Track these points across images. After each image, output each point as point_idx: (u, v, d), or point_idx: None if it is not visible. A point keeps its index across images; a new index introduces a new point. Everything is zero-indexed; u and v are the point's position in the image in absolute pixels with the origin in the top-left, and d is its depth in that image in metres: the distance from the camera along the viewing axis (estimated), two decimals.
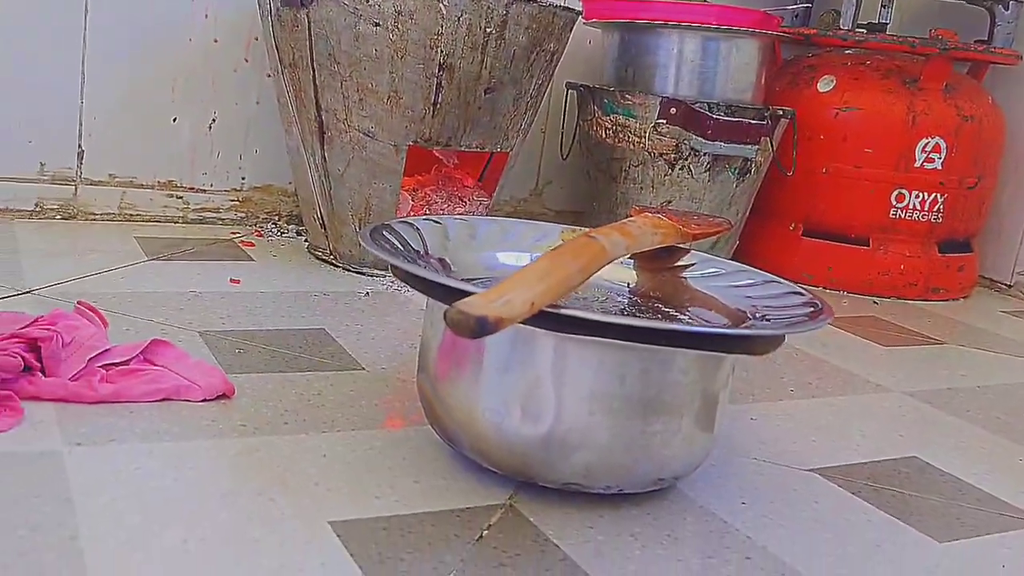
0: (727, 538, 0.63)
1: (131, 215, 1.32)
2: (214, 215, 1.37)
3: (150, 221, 1.33)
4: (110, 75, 1.26)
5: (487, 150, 1.20)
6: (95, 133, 1.27)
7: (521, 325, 0.51)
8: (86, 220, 1.29)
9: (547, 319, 0.54)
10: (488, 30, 1.08)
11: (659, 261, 0.83)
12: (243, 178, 1.38)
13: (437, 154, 1.28)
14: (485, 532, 0.60)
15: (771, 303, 0.73)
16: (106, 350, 0.75)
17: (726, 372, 0.66)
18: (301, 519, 0.58)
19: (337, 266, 1.21)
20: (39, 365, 0.71)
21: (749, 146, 1.33)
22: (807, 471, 0.77)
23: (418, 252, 0.68)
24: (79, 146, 1.27)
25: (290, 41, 1.10)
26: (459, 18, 1.06)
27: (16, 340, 0.71)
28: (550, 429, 0.61)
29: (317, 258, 1.24)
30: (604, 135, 1.36)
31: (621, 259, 0.80)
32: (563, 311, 0.54)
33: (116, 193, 1.30)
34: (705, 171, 1.32)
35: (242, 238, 1.30)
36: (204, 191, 1.36)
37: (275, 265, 1.18)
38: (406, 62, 1.07)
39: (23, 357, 0.70)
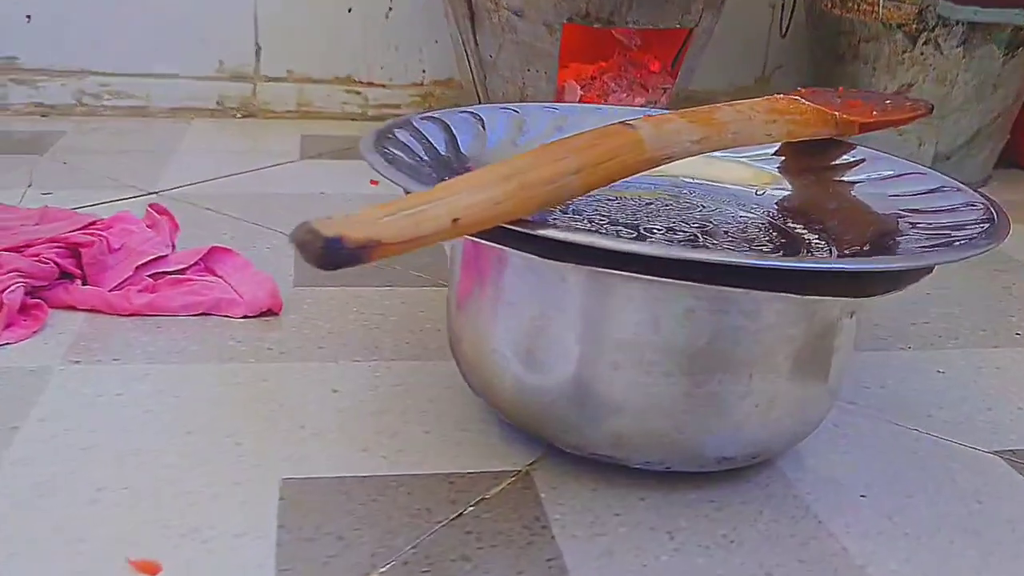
0: (818, 550, 0.46)
1: (309, 112, 1.27)
2: (394, 111, 1.29)
3: (329, 119, 1.28)
4: None
5: (661, 26, 1.01)
6: (271, 29, 1.23)
7: None
8: (265, 118, 1.26)
9: (506, 237, 0.39)
10: None
11: (807, 159, 0.63)
12: (423, 71, 1.28)
13: (618, 36, 1.10)
14: (471, 507, 0.47)
15: (935, 219, 0.52)
16: (160, 257, 0.69)
17: (835, 314, 0.47)
18: (255, 472, 0.48)
19: None
20: (80, 272, 0.67)
21: (1021, 10, 1.02)
22: (989, 453, 0.56)
23: (437, 160, 0.53)
24: (256, 43, 1.23)
25: None
26: None
27: (54, 245, 0.66)
28: (561, 383, 0.46)
29: None
30: (829, 4, 1.11)
31: (744, 155, 0.62)
32: (525, 228, 0.38)
33: (294, 90, 1.26)
34: (958, 45, 1.04)
35: None
36: (383, 86, 1.28)
37: None
38: None
39: (58, 264, 0.66)
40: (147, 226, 0.73)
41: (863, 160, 0.61)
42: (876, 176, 0.60)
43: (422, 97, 1.29)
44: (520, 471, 0.50)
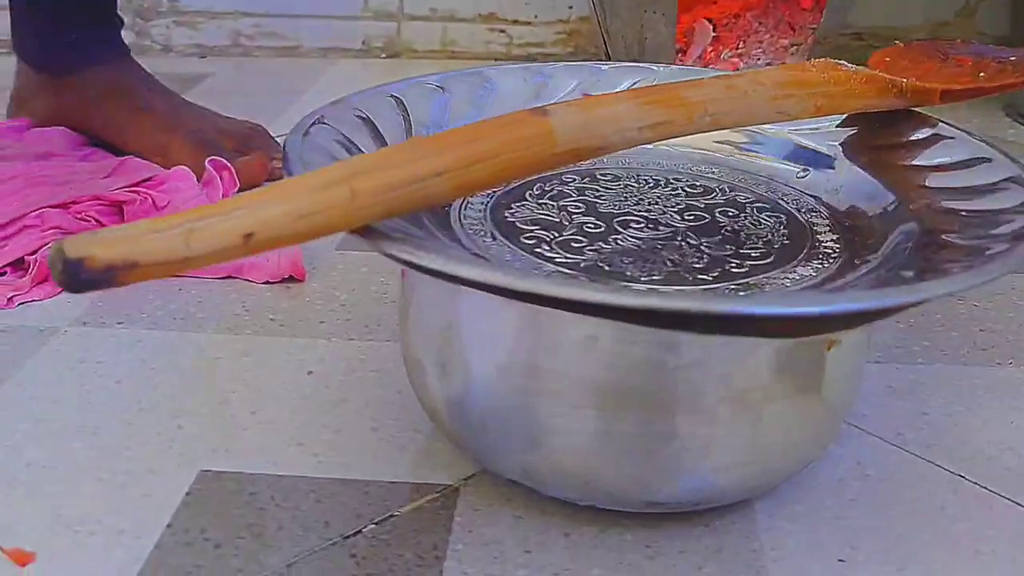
0: None
1: (454, 52, 1.24)
2: (538, 50, 1.23)
3: (473, 58, 1.24)
4: None
5: None
6: None
7: None
8: (410, 58, 1.25)
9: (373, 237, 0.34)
10: None
11: (874, 135, 0.52)
12: (570, 7, 1.21)
13: None
14: (373, 525, 0.43)
15: (980, 229, 0.41)
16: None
17: (801, 351, 0.38)
18: (177, 461, 0.47)
19: None
20: None
21: None
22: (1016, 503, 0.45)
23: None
24: None
25: None
26: None
27: (97, 202, 0.68)
28: (468, 402, 0.41)
29: None
30: None
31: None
32: (381, 243, 0.33)
33: (438, 28, 1.23)
34: None
35: None
36: (528, 23, 1.23)
37: None
38: None
39: (100, 221, 0.67)
40: (205, 183, 0.73)
41: (936, 140, 0.50)
42: (947, 161, 0.48)
43: (567, 35, 1.22)
44: (450, 486, 0.46)
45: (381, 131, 0.48)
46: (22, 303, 0.61)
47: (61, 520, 0.43)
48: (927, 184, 0.47)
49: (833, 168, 0.52)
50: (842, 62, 0.48)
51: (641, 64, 0.58)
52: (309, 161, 0.41)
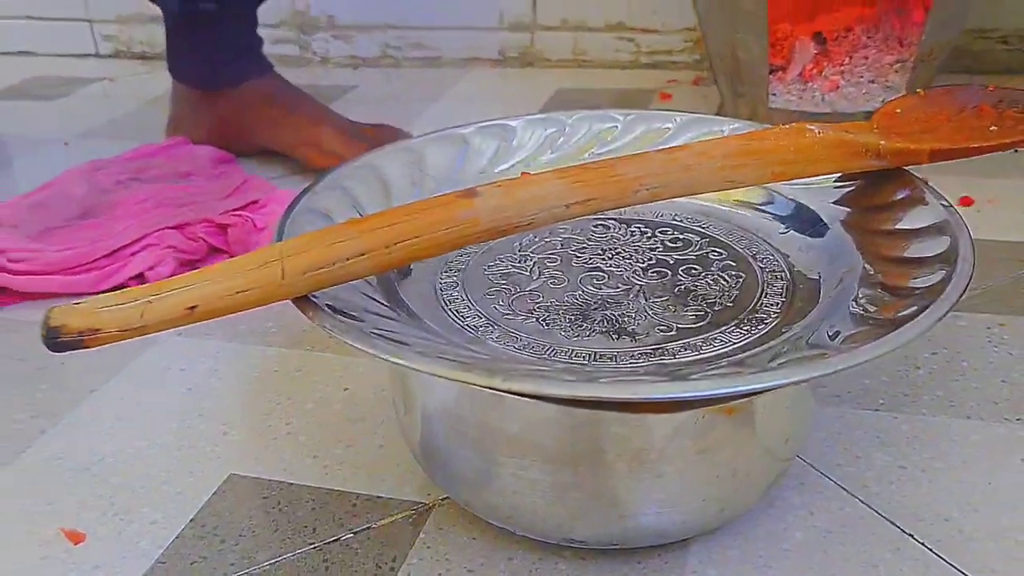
0: None
1: (584, 61, 1.29)
2: (666, 58, 1.25)
3: (602, 66, 1.28)
4: None
5: None
6: None
7: None
8: (542, 67, 1.30)
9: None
10: None
11: (864, 195, 0.53)
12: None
13: None
14: (351, 535, 0.50)
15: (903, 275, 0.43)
16: None
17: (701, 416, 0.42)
18: (213, 465, 0.56)
19: None
20: (227, 249, 0.79)
21: None
22: None
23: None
24: None
25: None
26: None
27: (207, 225, 0.79)
28: (420, 437, 0.47)
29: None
30: None
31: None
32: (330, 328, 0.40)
33: (568, 38, 1.28)
34: None
35: (663, 90, 1.17)
36: (655, 31, 1.25)
37: None
38: None
39: (208, 241, 0.78)
40: None
41: (913, 203, 0.50)
42: (907, 227, 0.49)
43: (693, 43, 1.23)
44: (426, 504, 0.52)
45: (391, 185, 0.55)
46: None
47: (112, 508, 0.53)
48: (884, 251, 0.48)
49: (817, 227, 0.53)
50: (812, 127, 0.50)
51: (659, 112, 0.61)
52: (300, 224, 0.48)
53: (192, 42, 0.99)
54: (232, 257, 0.72)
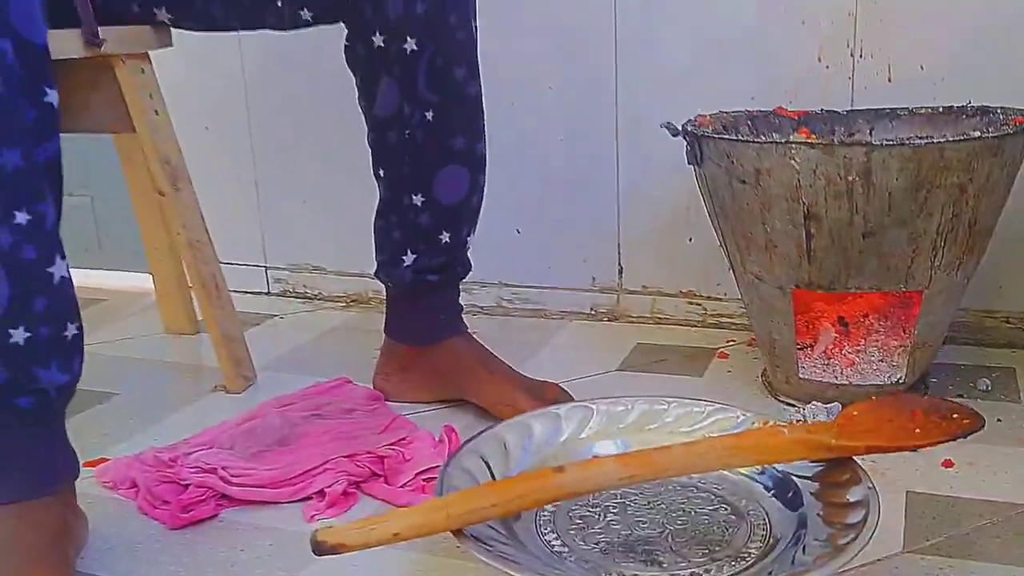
0: None
1: (661, 319, 1.58)
2: (727, 320, 1.54)
3: (675, 324, 1.57)
4: (642, 203, 1.54)
5: (885, 290, 1.13)
6: (631, 252, 1.57)
7: None
8: (626, 321, 1.60)
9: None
10: (850, 178, 1.05)
11: (825, 473, 0.79)
12: None
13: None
14: None
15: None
16: (435, 467, 1.08)
17: None
18: None
19: (774, 397, 1.28)
20: (383, 474, 1.08)
21: None
22: None
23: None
24: (619, 263, 1.59)
25: (705, 191, 1.24)
26: (814, 170, 1.07)
27: (369, 455, 1.08)
28: None
29: (764, 382, 1.32)
30: None
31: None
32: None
33: (648, 301, 1.58)
34: None
35: (722, 349, 1.45)
36: (719, 299, 1.54)
37: (709, 383, 1.32)
38: (773, 214, 1.12)
39: (369, 467, 1.07)
40: (436, 441, 1.12)
41: (853, 481, 0.76)
42: (849, 500, 0.74)
43: None
44: None
45: (509, 449, 0.83)
46: (320, 519, 1.02)
47: None
48: (832, 518, 0.73)
49: (794, 496, 0.79)
50: (782, 428, 0.76)
51: (694, 399, 0.89)
52: (452, 477, 0.77)
53: (412, 308, 1.23)
54: (388, 482, 1.01)
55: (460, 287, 1.26)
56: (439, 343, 1.23)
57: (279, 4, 1.11)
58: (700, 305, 1.56)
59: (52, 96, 0.80)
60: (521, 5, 1.53)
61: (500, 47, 1.47)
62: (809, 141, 1.07)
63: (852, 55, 1.37)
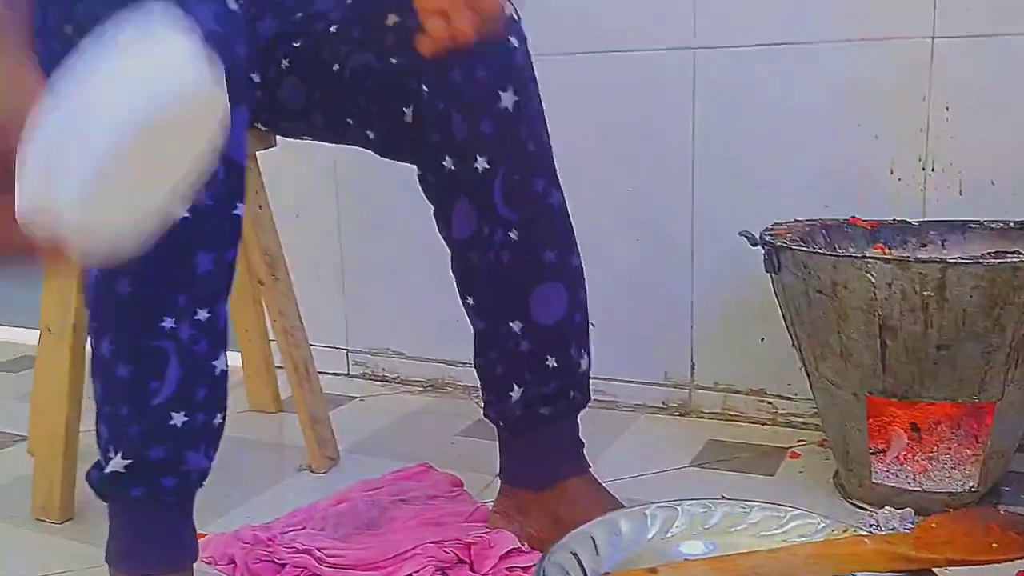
0: None
1: (732, 415, 1.62)
2: (798, 420, 1.57)
3: (746, 421, 1.60)
4: (715, 302, 1.59)
5: (959, 400, 1.17)
6: (703, 349, 1.62)
7: None
8: (697, 416, 1.64)
9: None
10: (925, 294, 1.10)
11: None
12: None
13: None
14: None
15: None
16: (514, 550, 1.12)
17: None
18: None
19: (847, 499, 1.31)
20: (469, 561, 1.12)
21: None
22: None
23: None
24: (691, 360, 1.63)
25: (781, 297, 1.29)
26: (890, 285, 1.11)
27: (456, 541, 1.13)
28: None
29: (837, 484, 1.35)
30: None
31: None
32: None
33: (719, 397, 1.62)
34: None
35: (793, 448, 1.48)
36: (790, 398, 1.57)
37: (782, 483, 1.35)
38: (849, 324, 1.16)
39: (457, 554, 1.12)
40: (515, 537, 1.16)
41: None
42: None
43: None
44: None
45: (599, 545, 0.88)
46: None
47: None
48: None
49: None
50: (863, 537, 0.80)
51: (774, 504, 0.93)
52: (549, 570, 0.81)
53: (526, 447, 1.11)
54: (474, 569, 1.06)
55: (579, 420, 1.15)
56: (556, 485, 1.10)
57: (350, 122, 1.11)
58: (771, 403, 1.59)
59: (240, 209, 0.88)
60: (600, 108, 1.61)
61: (579, 148, 1.56)
62: (885, 256, 1.12)
63: (924, 168, 1.43)
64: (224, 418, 0.92)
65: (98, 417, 0.89)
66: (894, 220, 1.39)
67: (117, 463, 0.87)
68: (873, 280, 1.12)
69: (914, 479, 1.22)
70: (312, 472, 1.47)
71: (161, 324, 0.84)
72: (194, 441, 0.89)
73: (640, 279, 1.64)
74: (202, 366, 0.88)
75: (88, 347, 0.91)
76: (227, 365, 0.92)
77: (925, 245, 1.36)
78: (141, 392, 0.86)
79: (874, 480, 1.24)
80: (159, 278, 0.82)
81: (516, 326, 1.07)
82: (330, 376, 1.93)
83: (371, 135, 1.10)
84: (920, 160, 1.43)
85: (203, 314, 0.86)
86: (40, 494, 1.29)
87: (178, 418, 0.87)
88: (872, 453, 1.24)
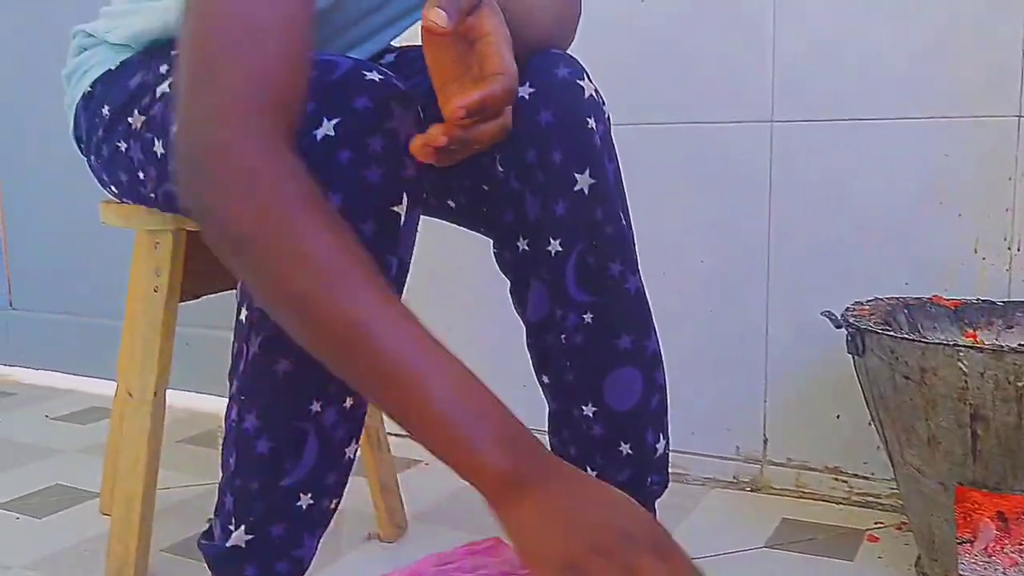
0: None
1: (804, 492, 1.58)
2: (874, 500, 1.53)
3: (820, 499, 1.57)
4: (789, 377, 1.57)
5: None
6: (776, 424, 1.59)
7: None
8: (768, 493, 1.61)
9: None
10: (1019, 384, 1.07)
11: None
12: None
13: None
14: None
15: None
16: None
17: None
18: None
19: None
20: None
21: None
22: None
23: None
24: (764, 435, 1.61)
25: (864, 380, 1.27)
26: (982, 374, 1.08)
27: None
28: None
29: (919, 572, 1.30)
30: None
31: None
32: None
33: (792, 474, 1.59)
34: None
35: (871, 531, 1.44)
36: (866, 478, 1.54)
37: (861, 569, 1.31)
38: (937, 411, 1.13)
39: None
40: None
41: None
42: None
43: (898, 493, 1.51)
44: None
45: None
46: None
47: None
48: None
49: None
50: None
51: None
52: None
53: None
54: None
55: (656, 507, 1.09)
56: None
57: (425, 196, 1.06)
58: (846, 482, 1.55)
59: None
60: (676, 181, 1.61)
61: (654, 220, 1.55)
62: (977, 345, 1.09)
63: (1009, 248, 1.40)
64: (338, 505, 0.93)
65: (224, 488, 0.90)
66: (978, 300, 1.36)
67: (239, 536, 0.87)
68: (965, 369, 1.09)
69: (1004, 573, 1.18)
70: (380, 541, 1.46)
71: (310, 407, 0.85)
72: (313, 525, 0.89)
73: (713, 352, 1.63)
74: (336, 452, 0.88)
75: (227, 417, 0.90)
76: (356, 454, 0.92)
77: (1012, 327, 1.33)
78: (276, 470, 0.86)
79: (961, 572, 1.20)
80: (318, 364, 0.82)
81: (589, 410, 1.05)
82: (394, 438, 1.93)
83: (452, 204, 1.12)
84: (1006, 239, 1.40)
85: (349, 402, 0.87)
86: (115, 559, 1.30)
87: (304, 500, 0.87)
88: (959, 543, 1.20)
